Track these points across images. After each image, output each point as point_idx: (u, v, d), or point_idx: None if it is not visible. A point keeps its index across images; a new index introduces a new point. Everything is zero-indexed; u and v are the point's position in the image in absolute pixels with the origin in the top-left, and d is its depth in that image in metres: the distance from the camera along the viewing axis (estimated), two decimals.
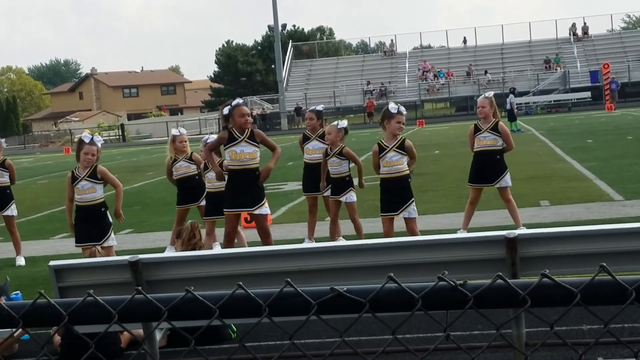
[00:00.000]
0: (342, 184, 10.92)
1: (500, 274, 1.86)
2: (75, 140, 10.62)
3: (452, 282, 1.85)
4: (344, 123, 11.06)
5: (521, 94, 58.26)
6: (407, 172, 9.66)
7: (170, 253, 10.49)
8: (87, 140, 9.57)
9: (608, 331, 1.84)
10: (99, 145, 9.69)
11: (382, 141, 9.79)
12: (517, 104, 56.38)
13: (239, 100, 9.77)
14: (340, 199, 10.91)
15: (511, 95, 40.42)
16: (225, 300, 1.78)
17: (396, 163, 9.61)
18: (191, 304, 1.78)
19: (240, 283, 1.80)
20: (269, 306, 1.80)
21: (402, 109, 9.83)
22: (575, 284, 1.77)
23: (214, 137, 11.15)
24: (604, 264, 1.76)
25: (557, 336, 1.90)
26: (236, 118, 9.45)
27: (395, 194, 9.64)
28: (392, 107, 9.80)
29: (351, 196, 10.95)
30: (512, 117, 37.68)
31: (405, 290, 1.84)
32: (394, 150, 9.65)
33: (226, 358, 6.54)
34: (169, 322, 1.77)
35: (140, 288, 1.74)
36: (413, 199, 9.69)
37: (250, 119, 9.59)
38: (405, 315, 1.88)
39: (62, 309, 1.72)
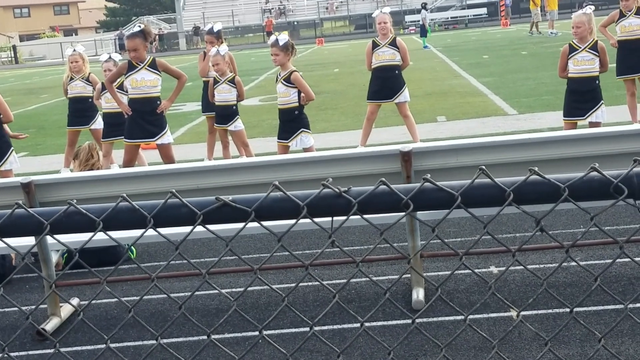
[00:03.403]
0: (228, 112, 10.63)
1: (384, 179, 1.89)
2: None
3: (336, 189, 1.87)
4: (224, 48, 10.68)
5: (419, 11, 58.45)
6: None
7: (66, 174, 10.31)
8: None
9: (487, 232, 1.89)
10: None
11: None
12: (412, 21, 56.74)
13: (127, 33, 9.45)
14: (228, 128, 10.68)
15: (423, 11, 40.55)
16: (109, 212, 1.77)
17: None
18: (74, 217, 1.76)
19: (124, 195, 1.79)
20: (154, 217, 1.79)
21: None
22: (455, 187, 1.82)
23: (116, 56, 10.89)
24: (483, 167, 1.80)
25: (440, 238, 1.95)
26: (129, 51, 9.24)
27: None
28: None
29: (239, 124, 10.70)
30: (423, 32, 37.96)
31: (291, 198, 1.85)
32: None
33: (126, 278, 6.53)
34: (52, 236, 1.75)
35: (21, 202, 1.71)
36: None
37: (136, 53, 9.18)
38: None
39: None
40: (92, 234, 1.76)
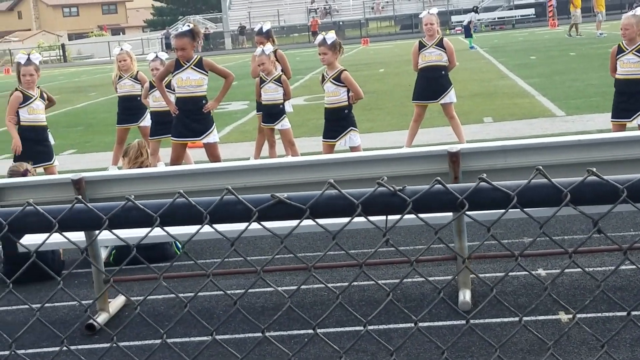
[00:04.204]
0: (275, 111, 10.68)
1: (439, 178, 1.88)
2: (15, 61, 10.49)
3: (391, 188, 1.87)
4: (269, 47, 10.71)
5: (466, 12, 58.15)
6: None
7: (115, 171, 10.43)
8: (22, 62, 9.53)
9: (544, 232, 1.88)
10: (37, 62, 9.61)
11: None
12: (458, 22, 56.50)
13: (175, 32, 9.57)
14: (275, 127, 10.74)
15: (473, 13, 40.81)
16: (166, 208, 1.78)
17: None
18: (132, 212, 1.78)
19: (182, 191, 1.80)
20: (210, 213, 1.81)
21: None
22: (511, 187, 1.81)
23: (163, 55, 11.01)
24: (540, 167, 1.79)
25: (494, 238, 1.95)
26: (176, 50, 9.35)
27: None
28: None
29: (285, 123, 10.76)
30: (468, 33, 37.92)
31: (346, 196, 1.85)
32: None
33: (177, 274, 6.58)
34: (110, 231, 1.77)
35: (80, 197, 1.73)
36: None
37: (184, 52, 9.24)
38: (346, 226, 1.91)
39: (2, 217, 1.72)
40: (149, 229, 1.77)
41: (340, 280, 6.29)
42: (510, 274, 6.09)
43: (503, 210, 1.85)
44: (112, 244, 6.94)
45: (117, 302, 6.07)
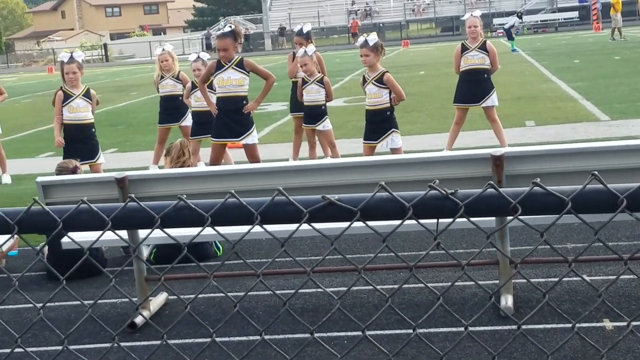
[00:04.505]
0: (317, 112, 10.71)
1: (492, 182, 1.86)
2: (58, 60, 10.64)
3: (443, 191, 1.85)
4: (312, 49, 10.71)
5: (508, 14, 57.83)
6: None
7: (156, 170, 10.50)
8: (66, 60, 9.62)
9: (598, 239, 1.85)
10: (80, 60, 9.71)
11: None
12: (500, 24, 56.26)
13: (215, 33, 9.63)
14: (317, 128, 10.77)
15: (517, 18, 40.99)
16: (218, 208, 1.78)
17: None
18: (183, 211, 1.78)
19: (233, 191, 1.80)
20: (261, 214, 1.80)
21: None
22: (566, 193, 1.78)
23: (205, 55, 11.07)
24: (596, 172, 1.76)
25: (547, 243, 1.92)
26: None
27: None
28: None
29: (327, 124, 10.78)
30: (510, 36, 37.83)
31: (397, 198, 1.84)
32: None
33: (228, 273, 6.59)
34: (162, 229, 1.77)
35: (134, 196, 1.74)
36: None
37: (226, 53, 9.27)
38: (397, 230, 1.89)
39: (57, 215, 1.72)
40: (200, 228, 1.77)
41: (389, 283, 6.26)
42: (552, 279, 6.03)
43: (556, 216, 1.82)
44: (153, 243, 6.97)
45: (158, 301, 6.10)
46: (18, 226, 1.73)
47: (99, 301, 6.29)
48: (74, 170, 7.29)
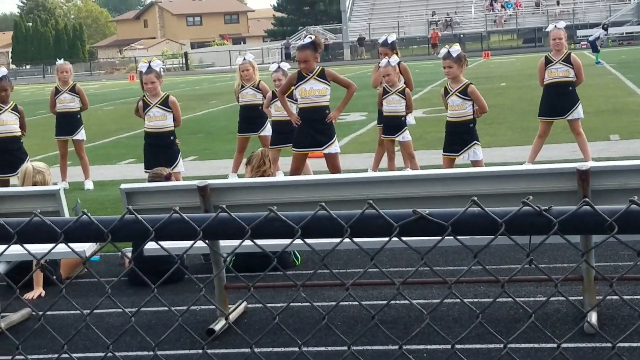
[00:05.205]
0: (397, 123, 10.68)
1: (587, 199, 1.82)
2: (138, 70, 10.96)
3: (537, 207, 1.81)
4: (395, 59, 10.67)
5: (592, 26, 56.95)
6: None
7: (236, 179, 10.60)
8: (144, 70, 9.78)
9: None
10: (158, 69, 9.86)
11: None
12: (584, 36, 55.41)
13: (294, 42, 9.67)
14: (396, 139, 10.74)
15: (602, 30, 40.40)
16: (308, 220, 1.77)
17: None
18: (274, 223, 1.77)
19: (323, 204, 1.79)
20: (351, 227, 1.79)
21: None
22: None
23: (285, 65, 11.12)
24: None
25: None
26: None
27: None
28: None
29: (406, 135, 10.74)
30: (595, 48, 37.31)
31: (489, 214, 1.81)
32: None
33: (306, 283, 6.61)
34: (252, 241, 1.77)
35: (225, 206, 1.74)
36: None
37: (307, 64, 9.29)
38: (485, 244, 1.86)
39: (149, 224, 1.74)
40: (290, 240, 1.77)
41: (469, 297, 6.19)
42: (632, 297, 5.88)
43: None
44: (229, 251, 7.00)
45: (237, 309, 6.13)
46: (111, 234, 1.75)
47: (178, 307, 6.34)
48: (167, 178, 7.39)
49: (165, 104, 9.90)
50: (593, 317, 5.37)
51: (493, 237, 1.83)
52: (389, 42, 11.26)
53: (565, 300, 5.95)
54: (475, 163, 9.20)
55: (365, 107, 20.66)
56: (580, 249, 1.90)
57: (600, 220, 1.79)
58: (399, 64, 10.72)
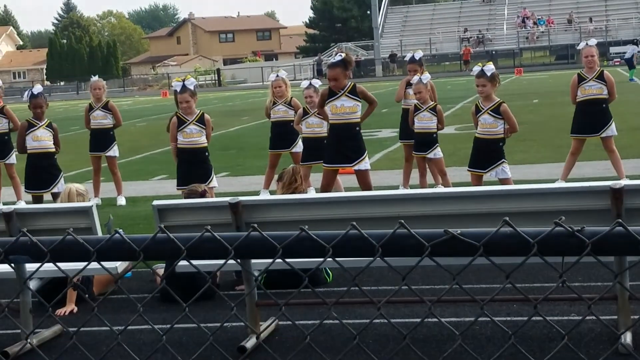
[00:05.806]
0: (428, 140, 10.66)
1: (620, 220, 1.80)
2: (171, 88, 11.11)
3: (569, 228, 1.80)
4: (427, 76, 10.67)
5: (625, 42, 56.56)
6: None
7: (267, 196, 10.62)
8: (178, 89, 9.84)
9: None
10: (192, 88, 9.92)
11: None
12: (617, 53, 55.10)
13: (327, 59, 9.73)
14: (427, 156, 10.72)
15: (634, 46, 40.24)
16: (339, 239, 1.77)
17: None
18: (305, 242, 1.78)
19: (354, 223, 1.79)
20: (382, 246, 1.79)
21: None
22: None
23: (316, 82, 11.15)
24: None
25: None
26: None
27: None
28: None
29: (438, 152, 10.72)
30: (631, 65, 37.13)
31: (521, 234, 1.80)
32: None
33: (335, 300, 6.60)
34: (284, 260, 1.77)
35: (256, 225, 1.75)
36: None
37: (337, 82, 9.31)
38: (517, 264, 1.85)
39: (181, 243, 1.75)
40: (322, 259, 1.77)
41: (502, 315, 6.14)
42: None
43: None
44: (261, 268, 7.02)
45: (268, 326, 6.12)
46: (144, 253, 1.76)
47: (209, 325, 6.35)
48: (202, 194, 7.42)
49: (201, 121, 10.02)
50: (627, 338, 5.32)
51: (525, 257, 1.82)
52: (417, 58, 11.26)
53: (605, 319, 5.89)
54: (503, 181, 9.16)
55: (397, 124, 20.42)
56: (613, 270, 1.87)
57: (634, 241, 1.78)
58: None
